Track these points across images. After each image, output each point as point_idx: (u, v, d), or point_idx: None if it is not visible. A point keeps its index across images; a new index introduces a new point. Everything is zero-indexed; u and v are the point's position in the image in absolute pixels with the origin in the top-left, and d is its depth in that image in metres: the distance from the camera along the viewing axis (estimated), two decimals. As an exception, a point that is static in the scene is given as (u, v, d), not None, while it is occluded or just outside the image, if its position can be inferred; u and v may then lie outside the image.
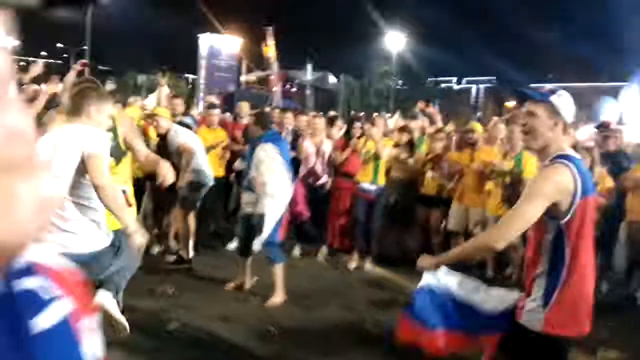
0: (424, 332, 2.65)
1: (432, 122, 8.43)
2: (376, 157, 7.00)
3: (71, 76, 7.45)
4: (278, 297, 5.28)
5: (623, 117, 14.52)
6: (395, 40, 38.28)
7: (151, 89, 20.92)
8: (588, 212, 2.50)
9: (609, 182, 5.75)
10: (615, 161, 6.49)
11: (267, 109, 8.87)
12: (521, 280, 6.39)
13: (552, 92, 2.63)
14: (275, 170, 5.19)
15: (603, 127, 7.59)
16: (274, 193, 5.13)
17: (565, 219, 2.46)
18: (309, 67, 38.70)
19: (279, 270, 5.34)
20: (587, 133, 8.29)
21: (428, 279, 2.73)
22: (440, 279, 2.72)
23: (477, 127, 7.60)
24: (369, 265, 7.01)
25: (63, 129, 3.25)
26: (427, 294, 2.71)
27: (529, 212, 2.48)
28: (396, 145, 7.63)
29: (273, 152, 5.26)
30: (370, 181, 7.07)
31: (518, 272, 6.73)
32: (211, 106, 8.36)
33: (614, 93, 18.78)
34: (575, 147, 6.54)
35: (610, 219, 5.94)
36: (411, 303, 2.76)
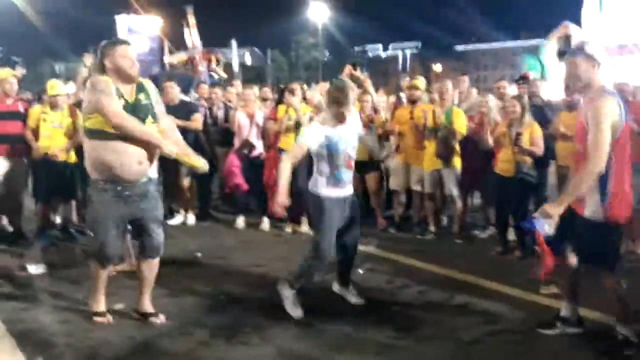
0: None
1: (359, 86, 8.39)
2: (297, 124, 6.99)
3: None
4: None
5: (546, 73, 14.93)
6: (319, 12, 38.09)
7: (70, 77, 19.95)
8: (626, 133, 3.39)
9: (537, 131, 5.91)
10: (538, 111, 6.67)
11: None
12: (462, 230, 6.61)
13: (584, 44, 3.49)
14: None
15: (521, 79, 7.81)
16: None
17: (616, 138, 3.32)
18: (234, 43, 37.91)
19: None
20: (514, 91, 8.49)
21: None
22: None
23: (420, 84, 7.45)
24: (307, 229, 7.02)
25: None
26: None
27: (605, 136, 3.28)
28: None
29: None
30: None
31: (459, 224, 6.92)
32: None
33: (535, 50, 19.30)
34: (504, 98, 6.78)
35: (539, 164, 6.13)
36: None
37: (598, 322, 4.02)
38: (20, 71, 8.70)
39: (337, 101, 4.19)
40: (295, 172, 6.96)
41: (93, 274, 4.09)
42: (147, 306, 4.16)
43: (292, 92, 7.44)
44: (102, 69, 3.75)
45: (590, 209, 3.47)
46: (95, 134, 3.68)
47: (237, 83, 10.79)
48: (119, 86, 3.70)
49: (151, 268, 4.12)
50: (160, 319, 4.11)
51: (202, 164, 4.04)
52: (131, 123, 3.63)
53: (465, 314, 4.38)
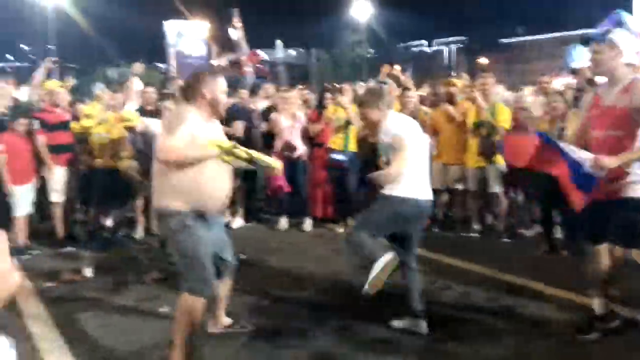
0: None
1: (399, 84, 8.32)
2: (347, 124, 7.02)
3: (39, 74, 7.32)
4: None
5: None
6: (362, 9, 37.94)
7: (122, 82, 20.57)
8: None
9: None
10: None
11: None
12: (508, 228, 6.44)
13: (609, 31, 3.47)
14: None
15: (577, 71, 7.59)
16: None
17: None
18: (279, 44, 38.28)
19: None
20: (560, 83, 8.25)
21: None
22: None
23: (456, 82, 7.41)
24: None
25: None
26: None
27: None
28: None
29: None
30: (341, 149, 7.08)
31: (504, 222, 6.78)
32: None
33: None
34: (547, 93, 6.61)
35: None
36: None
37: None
38: (69, 82, 9.05)
39: None
40: (346, 173, 7.06)
41: (193, 319, 3.39)
42: (226, 320, 4.12)
43: (341, 91, 7.46)
44: (189, 96, 3.48)
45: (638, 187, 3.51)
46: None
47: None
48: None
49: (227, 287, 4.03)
50: (243, 324, 4.11)
51: (277, 163, 3.83)
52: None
53: (511, 316, 4.30)
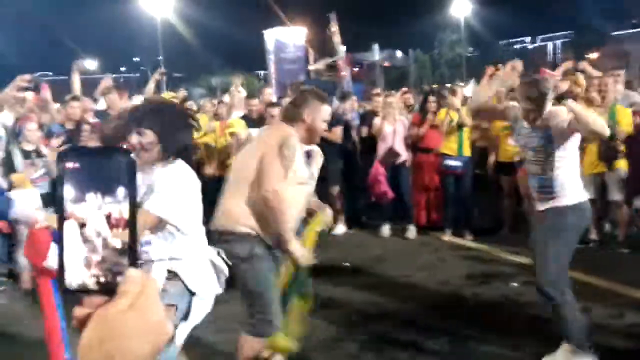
0: None
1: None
2: (459, 126, 6.83)
3: (150, 87, 7.72)
4: None
5: None
6: (461, 7, 37.11)
7: (224, 89, 21.44)
8: None
9: None
10: None
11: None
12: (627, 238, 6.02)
13: None
14: None
15: None
16: None
17: None
18: (376, 46, 38.15)
19: None
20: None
21: None
22: None
23: (580, 79, 6.62)
24: (462, 239, 6.84)
25: None
26: None
27: None
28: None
29: None
30: (455, 153, 6.89)
31: (624, 231, 6.33)
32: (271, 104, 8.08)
33: None
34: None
35: None
36: None
37: None
38: (182, 93, 9.48)
39: None
40: (460, 179, 6.90)
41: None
42: None
43: (453, 92, 7.30)
44: (290, 116, 3.31)
45: None
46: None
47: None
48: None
49: None
50: None
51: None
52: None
53: (635, 335, 3.99)
